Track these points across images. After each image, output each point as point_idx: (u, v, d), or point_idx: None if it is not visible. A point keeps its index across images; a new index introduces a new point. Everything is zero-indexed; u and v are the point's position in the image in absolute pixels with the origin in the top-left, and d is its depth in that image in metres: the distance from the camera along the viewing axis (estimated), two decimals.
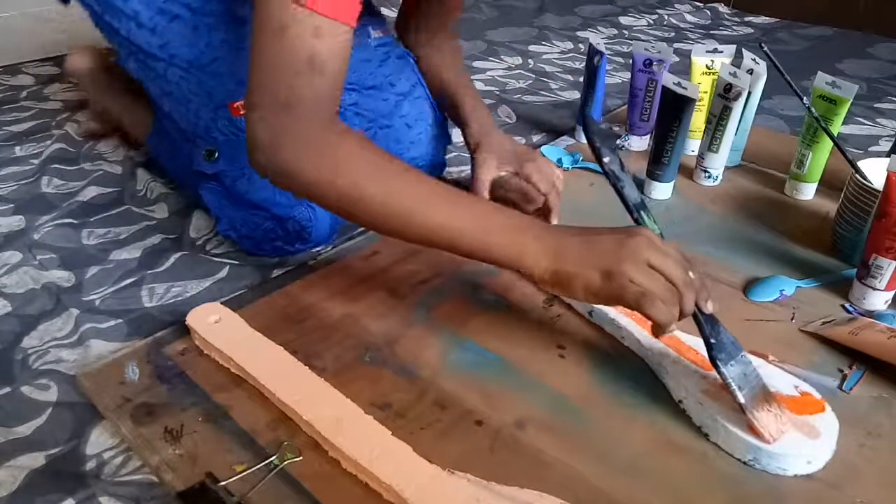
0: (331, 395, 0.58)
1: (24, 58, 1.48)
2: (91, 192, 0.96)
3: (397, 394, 0.60)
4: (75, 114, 1.21)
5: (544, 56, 1.61)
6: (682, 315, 0.55)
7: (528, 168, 0.82)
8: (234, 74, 0.76)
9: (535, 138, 1.16)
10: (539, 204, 0.83)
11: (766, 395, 0.55)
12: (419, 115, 0.92)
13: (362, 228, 0.84)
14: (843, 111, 0.88)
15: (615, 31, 1.82)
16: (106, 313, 0.72)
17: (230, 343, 0.63)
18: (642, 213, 0.62)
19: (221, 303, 0.69)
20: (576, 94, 1.35)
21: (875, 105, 1.34)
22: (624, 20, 1.90)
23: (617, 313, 0.68)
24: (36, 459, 0.55)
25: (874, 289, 0.71)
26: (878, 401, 0.61)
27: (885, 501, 0.52)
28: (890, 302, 0.72)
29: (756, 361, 0.59)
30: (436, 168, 0.97)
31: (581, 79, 1.11)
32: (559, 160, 1.03)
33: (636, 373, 0.64)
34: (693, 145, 1.04)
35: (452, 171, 1.03)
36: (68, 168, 1.02)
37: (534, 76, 1.47)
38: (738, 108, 0.91)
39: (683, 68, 1.12)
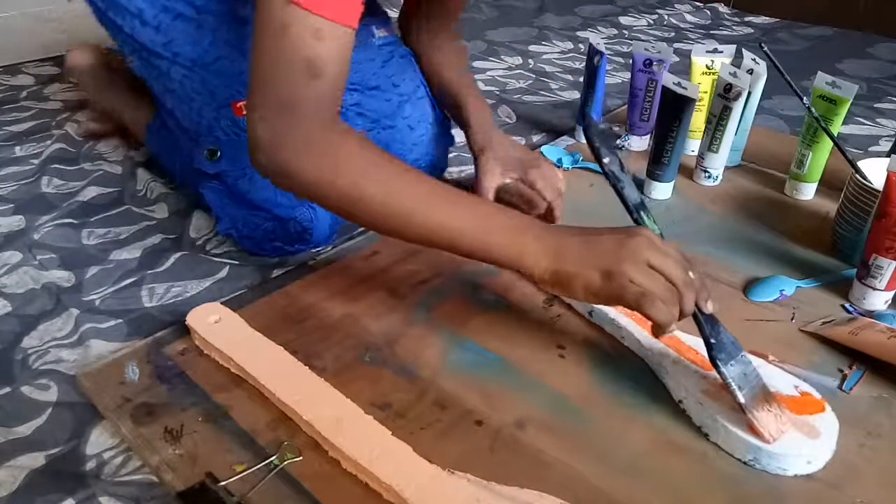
0: (331, 395, 0.58)
1: (24, 58, 1.48)
2: (91, 192, 0.96)
3: (397, 394, 0.60)
4: (75, 114, 1.21)
5: (544, 56, 1.61)
6: (682, 315, 0.55)
7: (532, 174, 0.82)
8: (237, 74, 0.76)
9: (535, 138, 1.16)
10: (542, 210, 0.83)
11: (766, 395, 0.55)
12: (422, 116, 0.92)
13: (362, 228, 0.84)
14: (843, 111, 0.88)
15: (615, 31, 1.82)
16: (106, 313, 0.72)
17: (230, 343, 0.63)
18: (642, 213, 0.62)
19: (221, 303, 0.69)
20: (576, 94, 1.35)
21: (875, 105, 1.34)
22: (624, 20, 1.90)
23: (617, 313, 0.68)
24: (36, 459, 0.55)
25: (874, 289, 0.71)
26: (878, 401, 0.61)
27: (885, 501, 0.52)
28: (890, 302, 0.72)
29: (756, 361, 0.59)
30: (437, 170, 0.97)
31: (581, 79, 1.11)
32: (559, 160, 1.03)
33: (636, 373, 0.64)
34: (693, 145, 1.04)
35: (453, 170, 1.03)
36: (68, 168, 1.03)
37: (534, 76, 1.47)
38: (738, 108, 0.91)
39: (683, 68, 1.12)
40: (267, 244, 0.79)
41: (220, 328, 0.65)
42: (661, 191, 0.94)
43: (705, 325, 0.56)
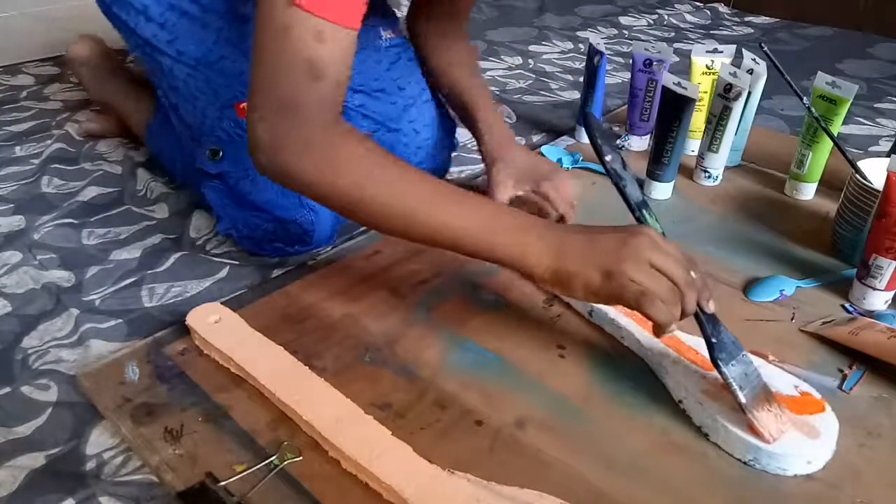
0: (331, 395, 0.58)
1: (24, 58, 1.48)
2: (91, 192, 0.96)
3: (397, 394, 0.60)
4: (75, 114, 1.20)
5: (544, 56, 1.61)
6: (683, 315, 0.55)
7: (544, 186, 0.81)
8: (241, 75, 0.75)
9: (535, 138, 1.16)
10: (553, 220, 0.82)
11: (766, 395, 0.55)
12: (427, 120, 0.92)
13: (363, 228, 0.84)
14: (843, 111, 0.88)
15: (615, 31, 1.82)
16: (106, 313, 0.72)
17: (230, 343, 0.63)
18: (644, 211, 0.62)
19: (221, 303, 0.69)
20: (576, 94, 1.35)
21: (875, 105, 1.34)
22: (624, 20, 1.90)
23: (617, 313, 0.68)
24: (36, 459, 0.55)
25: (874, 289, 0.71)
26: (878, 401, 0.61)
27: (885, 501, 0.52)
28: (890, 302, 0.72)
29: (756, 361, 0.59)
30: (440, 173, 0.96)
31: (581, 79, 1.11)
32: (559, 160, 1.03)
33: (636, 373, 0.64)
34: (693, 145, 1.04)
35: (453, 170, 1.03)
36: (68, 168, 1.02)
37: (534, 76, 1.47)
38: (738, 108, 0.91)
39: (683, 68, 1.12)
40: (267, 245, 0.79)
41: (220, 328, 0.65)
42: (661, 191, 0.94)
43: (707, 324, 0.56)
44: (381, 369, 0.63)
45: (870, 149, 1.15)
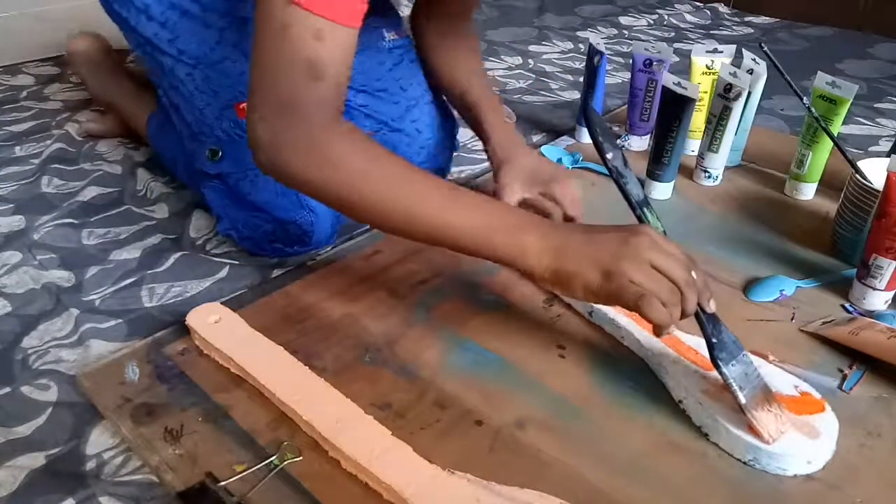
0: (331, 395, 0.58)
1: (24, 58, 1.48)
2: (91, 192, 0.96)
3: (397, 394, 0.60)
4: (75, 114, 1.21)
5: (544, 56, 1.61)
6: (684, 315, 0.55)
7: (552, 189, 0.81)
8: (241, 75, 0.75)
9: (535, 138, 1.16)
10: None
11: (766, 395, 0.55)
12: (430, 121, 0.92)
13: (363, 228, 0.84)
14: (843, 111, 0.88)
15: (615, 31, 1.82)
16: (106, 313, 0.72)
17: (230, 343, 0.63)
18: (645, 210, 0.62)
19: (221, 303, 0.69)
20: (576, 94, 1.35)
21: (875, 105, 1.34)
22: (624, 20, 1.90)
23: (616, 313, 0.68)
24: (36, 459, 0.55)
25: (874, 289, 0.71)
26: (878, 401, 0.61)
27: (885, 501, 0.52)
28: (890, 302, 0.72)
29: (756, 361, 0.59)
30: (441, 173, 0.96)
31: (581, 79, 1.11)
32: (559, 160, 1.02)
33: (636, 373, 0.64)
34: (693, 145, 1.04)
35: (453, 170, 1.02)
36: (68, 168, 1.02)
37: (534, 76, 1.47)
38: (738, 108, 0.91)
39: (683, 68, 1.12)
40: (267, 245, 0.79)
41: (220, 328, 0.65)
42: (661, 191, 0.94)
43: (707, 324, 0.56)
44: (381, 369, 0.63)
45: (870, 149, 1.15)
